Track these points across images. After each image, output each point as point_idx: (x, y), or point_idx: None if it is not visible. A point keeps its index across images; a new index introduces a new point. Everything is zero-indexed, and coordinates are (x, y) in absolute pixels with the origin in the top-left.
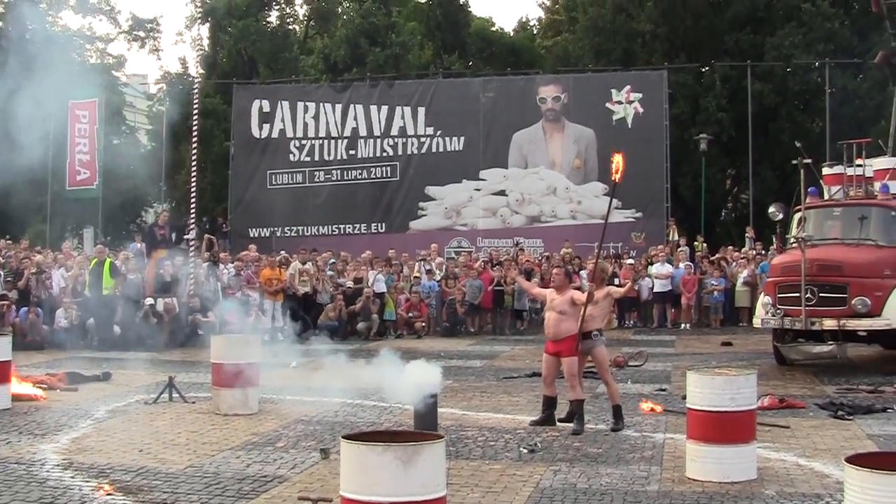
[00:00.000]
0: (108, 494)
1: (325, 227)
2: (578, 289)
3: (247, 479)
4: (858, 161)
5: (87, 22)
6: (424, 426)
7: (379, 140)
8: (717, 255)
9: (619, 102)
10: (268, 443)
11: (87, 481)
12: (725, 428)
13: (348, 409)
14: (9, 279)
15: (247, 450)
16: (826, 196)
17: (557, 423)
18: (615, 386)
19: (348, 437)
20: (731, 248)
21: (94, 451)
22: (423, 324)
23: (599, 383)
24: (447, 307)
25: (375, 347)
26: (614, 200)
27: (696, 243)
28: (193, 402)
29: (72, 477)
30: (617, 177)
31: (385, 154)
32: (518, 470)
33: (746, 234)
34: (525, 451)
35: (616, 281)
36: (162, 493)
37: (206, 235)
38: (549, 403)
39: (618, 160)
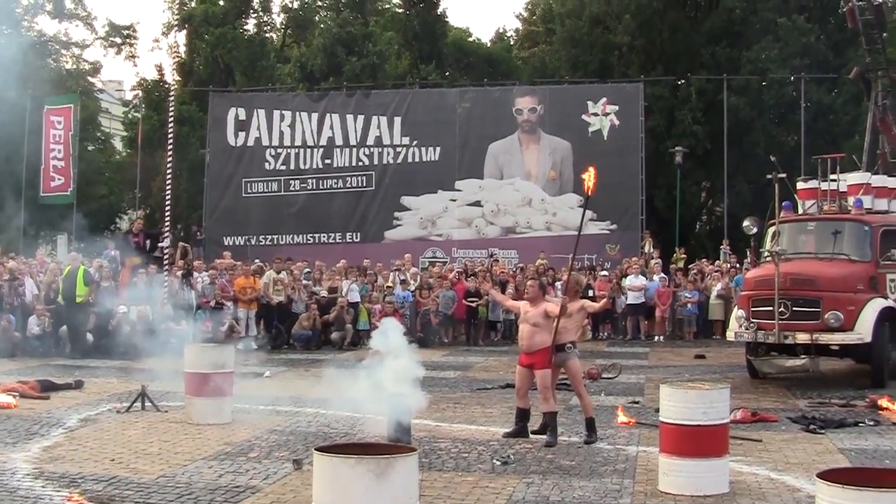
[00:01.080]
0: None
1: (300, 236)
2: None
3: (219, 489)
4: (833, 176)
5: (63, 27)
6: (398, 438)
7: (355, 149)
8: (692, 267)
9: (595, 114)
10: (240, 453)
11: (59, 491)
12: (698, 442)
13: (322, 419)
14: None
15: (219, 460)
16: (800, 210)
17: (531, 436)
18: (588, 398)
19: (322, 450)
20: (704, 260)
21: (65, 461)
22: None
23: (573, 395)
24: (421, 318)
25: (349, 357)
26: (589, 212)
27: (674, 256)
28: (166, 411)
29: (43, 486)
30: (589, 189)
31: (361, 163)
32: (491, 482)
33: (721, 248)
34: (498, 463)
35: (591, 293)
36: (133, 502)
37: (181, 244)
38: (523, 415)
39: (590, 174)
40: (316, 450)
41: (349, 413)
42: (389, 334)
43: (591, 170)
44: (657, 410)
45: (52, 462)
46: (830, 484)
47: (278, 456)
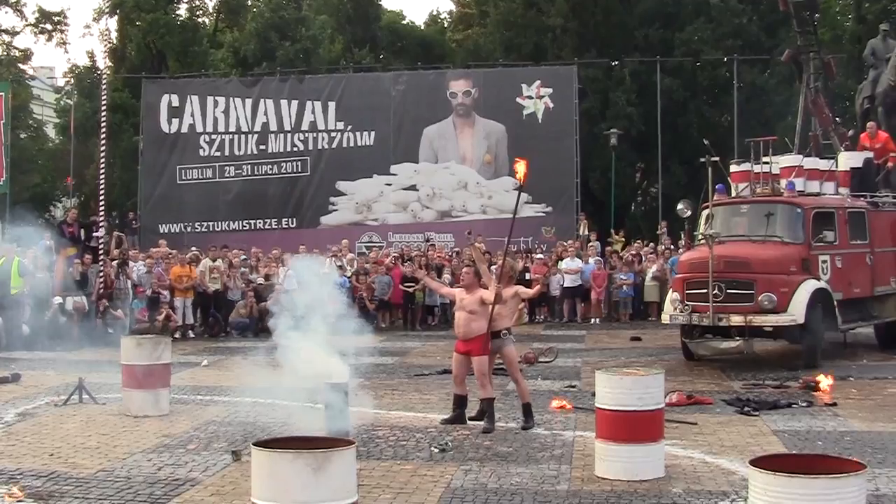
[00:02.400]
0: (18, 500)
1: (236, 223)
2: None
3: (159, 482)
4: (765, 158)
5: None
6: (335, 427)
7: (289, 135)
8: (628, 250)
9: (530, 97)
10: (179, 445)
11: None
12: (634, 427)
13: (259, 408)
14: None
15: (158, 452)
16: (733, 193)
17: (468, 422)
18: (525, 384)
19: (259, 444)
20: (640, 243)
21: (2, 456)
22: None
23: (509, 381)
24: (357, 303)
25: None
26: (524, 195)
27: (612, 240)
28: (104, 404)
29: None
30: (521, 180)
31: (296, 149)
32: (429, 470)
33: (658, 230)
34: (436, 450)
35: (527, 276)
36: (73, 498)
37: (115, 233)
38: (460, 402)
39: (521, 164)
40: (254, 444)
41: (286, 402)
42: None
43: (523, 161)
44: (594, 394)
45: None
46: (763, 472)
47: (217, 447)
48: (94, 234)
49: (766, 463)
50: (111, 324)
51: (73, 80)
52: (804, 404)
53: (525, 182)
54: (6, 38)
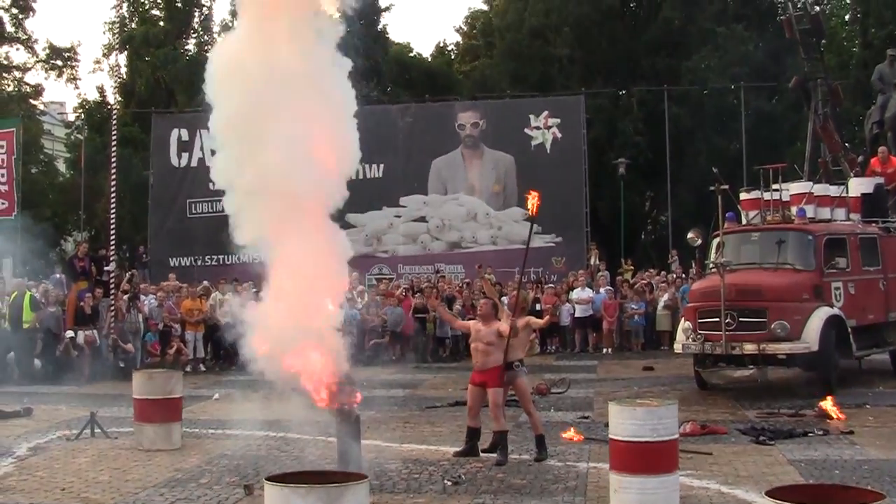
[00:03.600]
0: None
1: (246, 256)
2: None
3: None
4: (775, 185)
5: (3, 51)
6: (348, 460)
7: None
8: (638, 280)
9: (538, 128)
10: (191, 479)
11: None
12: (648, 458)
13: (272, 442)
14: None
15: (170, 487)
16: (744, 221)
17: (481, 454)
18: (537, 416)
19: (272, 479)
20: (652, 271)
21: (15, 491)
22: None
23: (522, 412)
24: (368, 335)
25: None
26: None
27: (622, 268)
28: (116, 438)
29: None
30: (533, 210)
31: None
32: (442, 503)
33: (670, 259)
34: (449, 483)
35: (538, 307)
36: None
37: (131, 271)
38: (473, 434)
39: (533, 196)
40: (266, 479)
41: (298, 435)
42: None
43: (535, 193)
44: (607, 425)
45: (3, 493)
46: (780, 502)
47: (229, 481)
48: (105, 267)
49: (784, 493)
50: (122, 357)
51: (83, 115)
52: (820, 433)
53: (536, 213)
54: (17, 74)
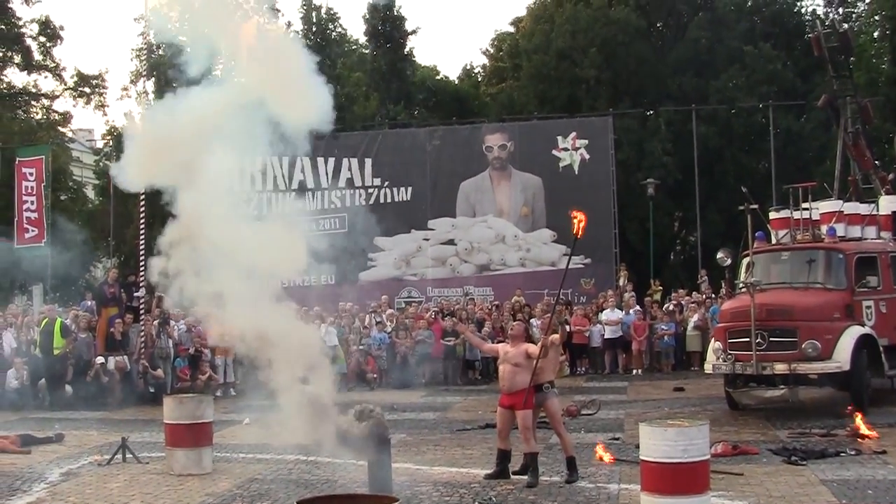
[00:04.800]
0: None
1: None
2: (531, 338)
3: None
4: (805, 204)
5: (32, 79)
6: (379, 483)
7: (326, 192)
8: (669, 303)
9: (566, 149)
10: (223, 503)
11: None
12: (679, 479)
13: (303, 466)
14: None
15: None
16: (773, 240)
17: (512, 476)
18: (568, 437)
19: (304, 503)
20: (681, 291)
21: None
22: (375, 376)
23: (552, 434)
24: (398, 358)
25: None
26: (563, 247)
27: (650, 289)
28: (147, 463)
29: None
30: (579, 233)
31: (333, 206)
32: None
33: (699, 279)
34: None
35: (567, 328)
36: None
37: (157, 293)
38: (504, 456)
39: (579, 218)
40: (298, 503)
41: (329, 458)
42: None
43: (580, 215)
44: (638, 446)
45: None
46: None
47: None
48: (135, 293)
49: None
50: (153, 383)
51: (111, 142)
52: (852, 452)
53: (582, 234)
54: (46, 102)
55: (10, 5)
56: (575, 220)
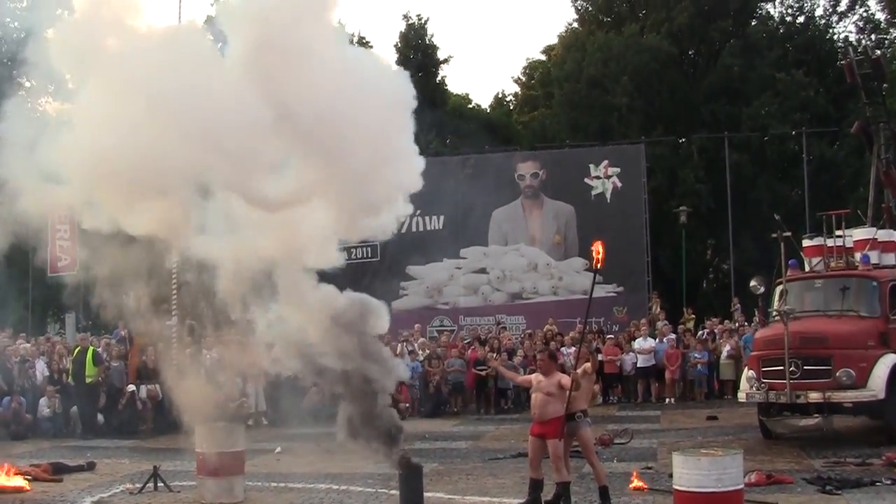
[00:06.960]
0: None
1: None
2: (563, 368)
3: None
4: (838, 232)
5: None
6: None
7: None
8: (702, 331)
9: (598, 177)
10: None
11: None
12: None
13: (334, 495)
14: None
15: None
16: (807, 268)
17: None
18: (601, 467)
19: None
20: (714, 319)
21: None
22: (407, 405)
23: (585, 463)
24: (431, 387)
25: None
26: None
27: (683, 318)
28: (178, 492)
29: None
30: (598, 263)
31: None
32: None
33: (732, 308)
34: None
35: (600, 357)
36: None
37: (188, 321)
38: (536, 486)
39: (597, 248)
40: None
41: (361, 488)
42: None
43: (599, 244)
44: (671, 475)
45: None
46: None
47: None
48: (167, 322)
49: None
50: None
51: None
52: (888, 482)
53: (603, 264)
54: None
55: None
56: (594, 253)
